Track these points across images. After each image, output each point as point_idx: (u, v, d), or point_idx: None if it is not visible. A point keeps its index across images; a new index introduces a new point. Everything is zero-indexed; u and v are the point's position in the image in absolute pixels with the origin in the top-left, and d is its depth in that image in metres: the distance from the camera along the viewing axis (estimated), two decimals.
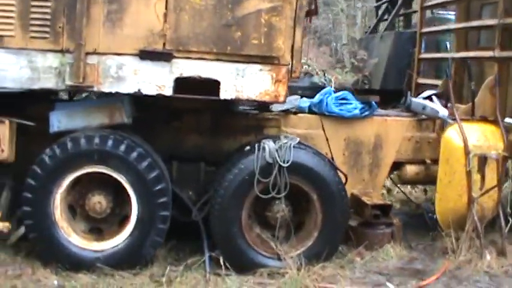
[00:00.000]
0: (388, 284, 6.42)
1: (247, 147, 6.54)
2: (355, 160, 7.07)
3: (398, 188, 7.75)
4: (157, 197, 6.34)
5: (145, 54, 6.22)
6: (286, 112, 7.22)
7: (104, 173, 6.34)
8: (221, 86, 6.27)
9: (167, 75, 6.25)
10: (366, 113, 7.17)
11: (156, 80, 6.24)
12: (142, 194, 6.31)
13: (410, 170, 7.36)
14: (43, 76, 6.27)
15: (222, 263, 6.38)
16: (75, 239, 6.39)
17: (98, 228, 6.66)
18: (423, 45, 8.38)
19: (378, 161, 7.28)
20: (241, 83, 6.33)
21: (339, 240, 6.69)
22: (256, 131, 7.14)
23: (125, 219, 6.54)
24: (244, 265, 6.41)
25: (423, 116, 7.44)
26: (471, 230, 6.86)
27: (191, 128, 7.08)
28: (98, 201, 6.43)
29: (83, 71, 6.15)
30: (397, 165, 7.46)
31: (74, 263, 6.29)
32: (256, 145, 6.46)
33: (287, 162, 6.30)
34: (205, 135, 7.11)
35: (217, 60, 6.24)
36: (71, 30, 6.15)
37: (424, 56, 9.91)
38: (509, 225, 7.00)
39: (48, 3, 6.18)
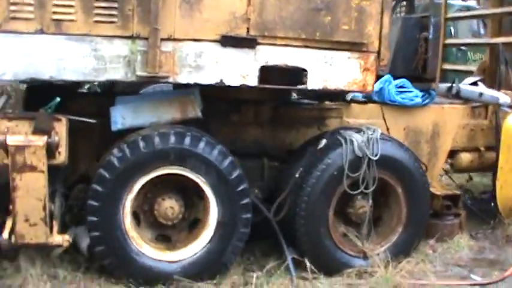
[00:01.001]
0: (473, 276, 5.15)
1: (323, 141, 5.07)
2: (415, 149, 5.46)
3: (450, 177, 6.51)
4: (240, 199, 4.57)
5: (228, 41, 4.38)
6: (349, 102, 5.59)
7: (179, 174, 4.64)
8: (308, 75, 4.60)
9: (251, 63, 4.46)
10: (427, 101, 5.67)
11: (240, 69, 4.45)
12: (223, 196, 4.54)
13: (465, 157, 5.96)
14: (110, 66, 4.31)
15: (308, 265, 4.90)
16: (147, 249, 4.52)
17: (163, 236, 4.80)
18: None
19: (436, 149, 5.79)
20: (329, 71, 4.61)
21: (422, 233, 5.17)
22: (318, 122, 5.44)
23: (196, 224, 4.79)
24: (331, 267, 4.79)
25: (475, 104, 6.05)
26: None
27: (250, 121, 5.29)
28: (170, 206, 4.58)
29: (158, 59, 4.47)
30: (451, 154, 5.98)
31: (149, 277, 4.47)
32: (339, 138, 4.88)
33: (376, 155, 4.75)
34: (265, 128, 5.33)
35: (305, 47, 4.52)
36: (142, 13, 4.25)
37: (449, 41, 8.42)
38: None
39: None
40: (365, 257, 4.88)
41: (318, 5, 4.50)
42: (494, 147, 5.77)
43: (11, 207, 4.41)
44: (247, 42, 4.46)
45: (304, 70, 4.58)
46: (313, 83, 4.61)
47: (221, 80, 4.46)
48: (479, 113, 6.04)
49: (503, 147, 5.48)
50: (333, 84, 4.65)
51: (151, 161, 4.43)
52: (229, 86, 4.47)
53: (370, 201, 4.81)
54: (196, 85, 4.51)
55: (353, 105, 5.52)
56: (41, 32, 4.23)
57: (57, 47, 4.24)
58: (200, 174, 4.52)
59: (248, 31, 4.46)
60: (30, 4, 4.20)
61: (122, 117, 4.56)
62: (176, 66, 4.39)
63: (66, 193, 4.87)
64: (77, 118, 4.44)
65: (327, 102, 5.49)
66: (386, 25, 4.66)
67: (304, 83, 4.59)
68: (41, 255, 4.60)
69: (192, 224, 4.79)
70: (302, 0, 4.47)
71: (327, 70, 4.63)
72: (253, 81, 4.51)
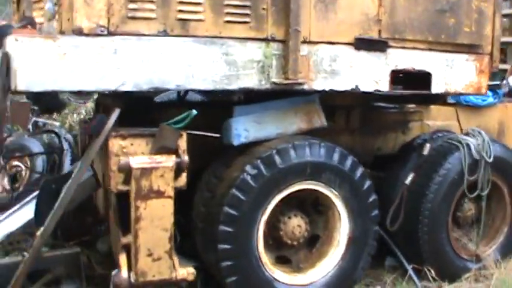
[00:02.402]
0: None
1: (427, 145, 3.81)
2: None
3: None
4: (370, 211, 3.18)
5: (361, 43, 3.00)
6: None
7: (309, 190, 3.14)
8: (432, 79, 3.33)
9: (383, 67, 3.10)
10: (496, 100, 4.46)
11: (372, 74, 3.07)
12: (355, 209, 3.13)
13: None
14: (242, 72, 2.83)
15: (431, 274, 3.55)
16: (279, 275, 3.02)
17: (280, 258, 3.23)
18: None
19: None
20: (450, 74, 3.31)
21: None
22: (402, 126, 4.07)
23: (314, 241, 3.31)
24: (451, 273, 3.47)
25: None
26: None
27: (342, 128, 3.82)
28: (298, 225, 3.12)
29: (297, 64, 3.07)
30: None
31: None
32: (454, 142, 3.56)
33: (490, 158, 3.55)
34: (355, 134, 3.89)
35: (430, 50, 3.22)
36: (277, 12, 2.83)
37: None
38: None
39: None
40: (478, 260, 3.66)
41: (444, 6, 3.23)
42: None
43: (123, 239, 2.84)
44: (379, 45, 3.11)
45: (429, 74, 3.35)
46: (436, 87, 3.32)
47: (356, 86, 3.08)
48: None
49: None
50: (453, 88, 3.40)
51: (288, 177, 2.92)
52: (364, 92, 3.16)
53: (484, 203, 3.65)
54: (317, 92, 3.16)
55: (431, 107, 4.32)
56: (165, 33, 2.67)
57: (183, 51, 2.71)
58: (333, 187, 3.06)
59: (380, 33, 3.13)
60: (151, 1, 2.65)
61: (245, 129, 3.04)
62: (311, 71, 2.97)
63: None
64: (199, 133, 2.93)
65: (409, 106, 4.29)
66: (498, 26, 3.50)
67: (429, 87, 3.37)
68: None
69: (310, 242, 3.41)
70: (429, 1, 3.24)
71: (448, 73, 3.36)
72: (384, 86, 3.17)
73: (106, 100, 3.38)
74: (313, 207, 3.31)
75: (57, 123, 6.41)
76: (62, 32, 2.61)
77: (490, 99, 4.41)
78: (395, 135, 4.07)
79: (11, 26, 2.60)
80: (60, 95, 6.21)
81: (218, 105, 3.37)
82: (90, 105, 5.90)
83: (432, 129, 4.16)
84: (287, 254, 3.29)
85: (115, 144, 2.68)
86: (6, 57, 2.47)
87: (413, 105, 4.18)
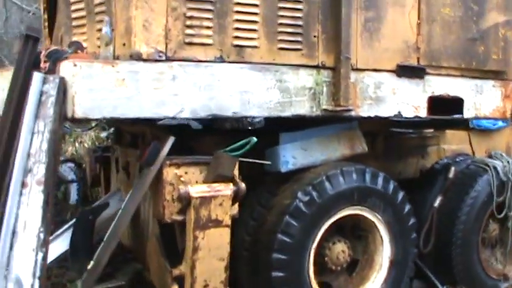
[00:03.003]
0: None
1: (452, 169, 3.92)
2: None
3: None
4: (410, 234, 3.23)
5: (403, 71, 3.07)
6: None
7: (356, 215, 3.26)
8: (464, 104, 3.52)
9: (421, 94, 3.18)
10: (505, 124, 4.58)
11: (412, 100, 3.15)
12: (397, 233, 3.17)
13: None
14: (295, 99, 2.85)
15: None
16: None
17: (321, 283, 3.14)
18: None
19: None
20: (479, 100, 3.45)
21: None
22: (421, 150, 4.19)
23: (353, 265, 3.33)
24: None
25: None
26: None
27: (369, 153, 3.65)
28: (342, 250, 3.12)
29: (348, 91, 3.11)
30: None
31: None
32: (481, 165, 3.77)
33: None
34: (379, 160, 3.87)
35: (462, 76, 3.35)
36: (327, 40, 2.88)
37: None
38: None
39: (300, 5, 2.79)
40: (505, 279, 3.79)
41: (474, 34, 3.40)
42: None
43: (175, 271, 2.74)
44: (418, 72, 3.21)
45: (462, 99, 3.48)
46: (468, 112, 3.47)
47: (399, 112, 3.14)
48: None
49: None
50: (482, 113, 3.55)
51: (337, 203, 2.94)
52: (405, 119, 3.24)
53: (510, 223, 3.79)
54: (359, 118, 3.21)
55: (447, 132, 4.49)
56: (221, 59, 2.68)
57: (239, 77, 2.71)
58: (378, 212, 3.10)
59: (418, 61, 3.26)
60: (208, 27, 2.65)
61: (292, 156, 3.04)
62: (358, 98, 3.03)
63: None
64: (250, 160, 2.90)
65: (426, 131, 4.41)
66: None
67: (461, 112, 3.50)
68: None
69: (350, 266, 3.40)
70: (461, 29, 3.34)
71: (478, 99, 3.51)
72: (423, 112, 3.28)
73: (132, 128, 3.30)
74: (352, 233, 3.31)
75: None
76: (116, 57, 2.55)
77: (500, 123, 4.60)
78: (416, 160, 4.17)
79: (64, 50, 2.49)
80: None
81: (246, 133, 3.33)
82: (94, 133, 5.70)
83: (448, 152, 4.29)
84: (328, 280, 3.27)
85: (169, 173, 2.61)
86: (63, 82, 2.37)
87: (430, 130, 4.29)
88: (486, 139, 4.62)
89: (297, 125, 3.07)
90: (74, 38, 2.88)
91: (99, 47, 2.66)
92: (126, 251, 3.60)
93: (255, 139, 2.63)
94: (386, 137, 4.06)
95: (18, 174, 2.39)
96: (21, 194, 2.40)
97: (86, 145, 5.36)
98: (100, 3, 2.68)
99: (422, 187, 3.84)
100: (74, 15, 2.88)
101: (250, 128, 2.96)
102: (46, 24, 3.25)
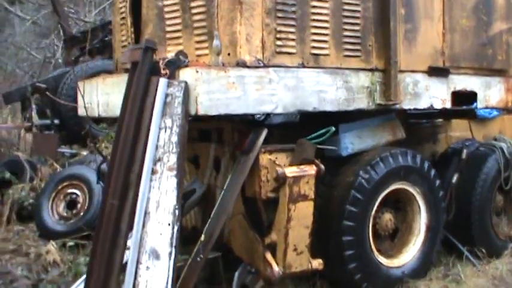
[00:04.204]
0: None
1: (464, 151, 4.69)
2: None
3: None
4: (440, 203, 3.99)
5: (432, 71, 3.86)
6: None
7: (401, 189, 4.06)
8: (478, 97, 4.32)
9: (446, 89, 3.97)
10: (498, 113, 5.30)
11: (441, 95, 3.94)
12: (431, 203, 3.92)
13: None
14: (357, 96, 3.52)
15: (482, 254, 4.48)
16: (383, 260, 3.72)
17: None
18: None
19: None
20: (489, 93, 4.28)
21: None
22: (433, 137, 4.91)
23: (395, 232, 4.02)
24: (496, 251, 4.37)
25: None
26: None
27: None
28: (389, 219, 3.85)
29: (396, 89, 3.83)
30: None
31: (389, 284, 3.74)
32: (490, 147, 4.50)
33: None
34: (402, 146, 4.86)
35: (475, 74, 4.17)
36: (378, 48, 3.61)
37: None
38: None
39: (358, 21, 3.52)
40: (511, 239, 4.68)
41: (484, 40, 4.23)
42: None
43: (274, 237, 3.39)
44: (444, 72, 3.99)
45: (475, 93, 4.30)
46: (480, 103, 4.30)
47: (431, 105, 3.92)
48: None
49: None
50: (490, 104, 4.40)
51: (388, 179, 3.66)
52: (436, 110, 4.01)
53: None
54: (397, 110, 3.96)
55: (452, 121, 5.31)
56: (303, 65, 3.35)
57: (317, 79, 3.38)
58: (417, 186, 3.85)
59: (444, 63, 4.03)
60: (293, 40, 3.31)
61: (351, 143, 3.76)
62: (402, 94, 3.78)
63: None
64: (322, 147, 3.58)
65: (436, 120, 5.23)
66: None
67: (475, 103, 4.32)
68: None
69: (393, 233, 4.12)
70: (475, 36, 4.16)
71: (487, 92, 4.33)
72: (448, 104, 4.06)
73: (201, 124, 3.84)
74: (393, 205, 4.05)
75: (85, 153, 6.56)
76: (222, 65, 3.16)
77: (495, 113, 5.47)
78: (429, 145, 4.96)
79: (181, 59, 3.08)
80: (84, 124, 6.35)
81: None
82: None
83: (454, 139, 5.09)
84: (376, 244, 3.99)
85: (264, 158, 3.26)
86: (186, 86, 2.97)
87: (440, 120, 5.10)
88: (483, 126, 5.46)
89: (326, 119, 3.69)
90: (169, 48, 3.45)
91: (198, 56, 3.27)
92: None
93: (333, 128, 3.32)
94: (406, 126, 4.82)
95: (149, 163, 2.95)
96: (151, 179, 2.96)
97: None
98: (201, 20, 3.27)
99: (440, 168, 4.62)
100: (169, 28, 3.44)
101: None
102: (132, 35, 3.74)
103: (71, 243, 4.54)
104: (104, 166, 3.85)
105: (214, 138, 3.93)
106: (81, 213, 5.03)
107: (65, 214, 5.16)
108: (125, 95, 3.08)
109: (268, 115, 3.96)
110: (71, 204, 5.18)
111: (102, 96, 3.60)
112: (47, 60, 11.40)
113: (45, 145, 6.41)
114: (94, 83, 3.71)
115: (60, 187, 5.19)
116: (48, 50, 11.79)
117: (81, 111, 3.96)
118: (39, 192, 5.42)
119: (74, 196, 5.22)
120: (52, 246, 4.28)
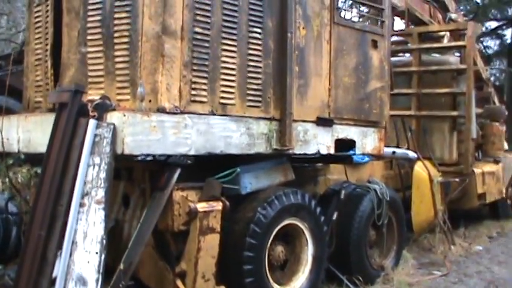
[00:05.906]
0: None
1: (343, 192, 6.17)
2: None
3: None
4: (324, 237, 5.49)
5: (320, 121, 5.40)
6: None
7: (293, 224, 5.36)
8: (356, 145, 6.01)
9: (331, 137, 5.53)
10: (369, 159, 7.36)
11: (326, 142, 5.50)
12: (317, 236, 5.38)
13: None
14: (257, 141, 4.87)
15: (359, 281, 6.07)
16: (276, 287, 5.08)
17: None
18: None
19: None
20: (365, 141, 5.97)
21: None
22: (313, 179, 6.58)
23: (286, 262, 5.44)
24: (370, 279, 6.03)
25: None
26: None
27: None
28: (281, 250, 5.20)
29: (291, 136, 5.23)
30: None
31: None
32: (364, 188, 6.26)
33: (387, 197, 6.35)
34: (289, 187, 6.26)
35: (354, 125, 5.83)
36: (276, 100, 5.02)
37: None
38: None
39: (260, 75, 4.90)
40: (382, 269, 6.29)
41: (362, 96, 5.95)
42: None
43: (183, 266, 4.49)
44: (329, 122, 5.58)
45: (354, 141, 5.95)
46: (358, 150, 5.96)
47: (318, 151, 5.44)
48: (387, 166, 8.20)
49: (414, 186, 7.73)
50: (366, 150, 6.10)
51: (282, 215, 5.03)
52: (321, 155, 5.53)
53: (385, 229, 6.36)
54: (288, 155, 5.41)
55: (330, 165, 6.90)
56: (212, 113, 4.60)
57: (224, 126, 4.62)
58: (305, 221, 5.30)
59: (329, 114, 5.63)
60: (205, 90, 4.55)
61: (249, 182, 5.06)
62: (294, 140, 5.23)
63: None
64: (227, 186, 4.80)
65: (317, 164, 6.80)
66: (388, 109, 6.41)
67: (354, 150, 5.96)
68: None
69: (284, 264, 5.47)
70: (355, 92, 5.85)
71: (364, 141, 6.04)
72: (332, 150, 5.63)
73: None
74: (284, 238, 5.46)
75: None
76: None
77: (367, 159, 7.31)
78: (310, 187, 6.55)
79: (107, 103, 4.12)
80: None
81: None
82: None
83: (331, 181, 6.76)
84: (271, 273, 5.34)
85: (177, 195, 4.42)
86: (114, 128, 4.03)
87: (319, 164, 6.72)
88: (356, 170, 7.29)
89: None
90: (90, 92, 4.44)
91: (119, 100, 4.34)
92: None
93: (238, 169, 4.61)
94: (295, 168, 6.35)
95: (77, 196, 3.93)
96: (79, 212, 3.92)
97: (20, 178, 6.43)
98: (123, 68, 4.36)
99: (321, 206, 6.19)
100: (91, 73, 4.46)
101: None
102: (52, 77, 4.66)
103: None
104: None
105: (123, 177, 4.97)
106: None
107: None
108: (51, 133, 4.02)
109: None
110: None
111: (23, 133, 4.44)
112: None
113: None
114: (13, 120, 4.53)
115: None
116: None
117: None
118: None
119: None
120: None
